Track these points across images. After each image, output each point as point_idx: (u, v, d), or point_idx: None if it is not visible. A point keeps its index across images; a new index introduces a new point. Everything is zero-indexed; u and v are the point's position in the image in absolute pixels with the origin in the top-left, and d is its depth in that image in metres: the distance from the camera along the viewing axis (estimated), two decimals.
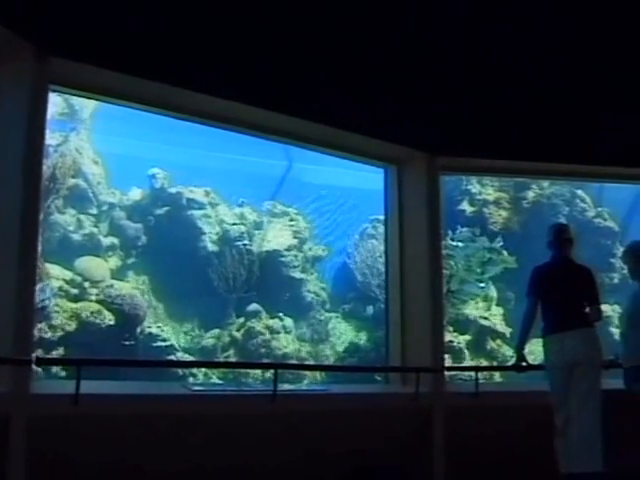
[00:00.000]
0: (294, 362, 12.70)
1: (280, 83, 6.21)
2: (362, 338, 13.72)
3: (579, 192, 15.47)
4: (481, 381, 7.27)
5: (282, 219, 14.51)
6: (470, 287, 14.04)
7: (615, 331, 10.58)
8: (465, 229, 13.96)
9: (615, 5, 6.22)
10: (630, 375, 6.85)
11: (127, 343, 11.36)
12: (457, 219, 14.17)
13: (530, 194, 15.35)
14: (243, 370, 11.01)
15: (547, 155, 7.60)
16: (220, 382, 11.34)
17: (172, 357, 11.84)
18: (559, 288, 6.81)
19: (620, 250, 12.51)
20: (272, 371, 6.12)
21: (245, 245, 13.50)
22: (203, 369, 11.76)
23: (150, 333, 11.87)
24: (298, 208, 14.72)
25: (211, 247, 13.35)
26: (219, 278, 13.01)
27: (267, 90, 6.16)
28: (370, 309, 13.89)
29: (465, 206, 14.93)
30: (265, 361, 12.49)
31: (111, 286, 11.74)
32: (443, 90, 6.95)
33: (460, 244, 13.82)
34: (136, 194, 13.34)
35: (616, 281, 14.26)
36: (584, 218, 15.35)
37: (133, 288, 12.10)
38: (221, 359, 12.54)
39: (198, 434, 5.50)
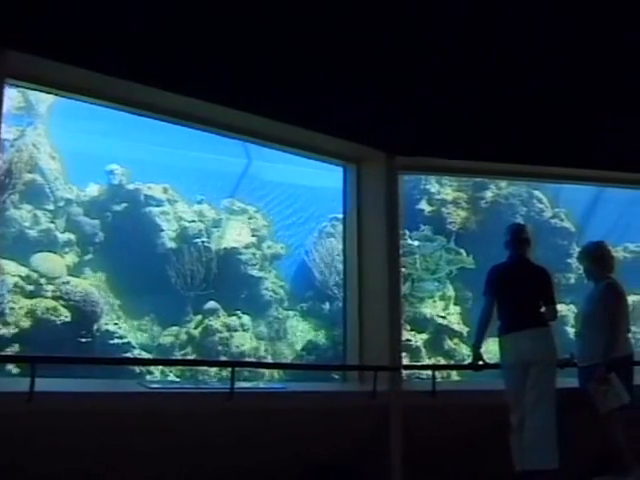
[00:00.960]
0: (252, 360, 12.69)
1: (239, 80, 6.18)
2: (320, 336, 13.73)
3: (536, 193, 15.61)
4: (438, 380, 7.29)
5: (241, 217, 14.48)
6: (427, 285, 14.12)
7: (570, 330, 10.70)
8: (424, 228, 14.04)
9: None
10: (585, 374, 6.92)
11: (83, 340, 11.27)
12: (416, 218, 14.23)
13: (488, 194, 15.45)
14: (200, 368, 10.99)
15: (507, 156, 7.64)
16: (177, 380, 11.30)
17: (129, 354, 11.76)
18: (515, 288, 6.85)
19: (576, 250, 12.63)
20: (230, 369, 6.09)
21: (203, 242, 13.46)
22: (160, 367, 11.72)
23: (107, 330, 11.79)
24: (257, 206, 14.70)
25: (169, 244, 13.30)
26: (177, 275, 12.95)
27: (226, 87, 6.13)
28: (328, 307, 13.90)
29: (424, 205, 14.98)
30: (223, 359, 12.45)
31: (67, 283, 11.65)
32: (402, 90, 6.97)
33: (417, 242, 13.89)
34: (93, 190, 13.26)
35: (572, 281, 14.41)
36: (541, 218, 15.49)
37: (90, 285, 11.99)
38: (178, 357, 12.48)
39: (154, 432, 5.46)
